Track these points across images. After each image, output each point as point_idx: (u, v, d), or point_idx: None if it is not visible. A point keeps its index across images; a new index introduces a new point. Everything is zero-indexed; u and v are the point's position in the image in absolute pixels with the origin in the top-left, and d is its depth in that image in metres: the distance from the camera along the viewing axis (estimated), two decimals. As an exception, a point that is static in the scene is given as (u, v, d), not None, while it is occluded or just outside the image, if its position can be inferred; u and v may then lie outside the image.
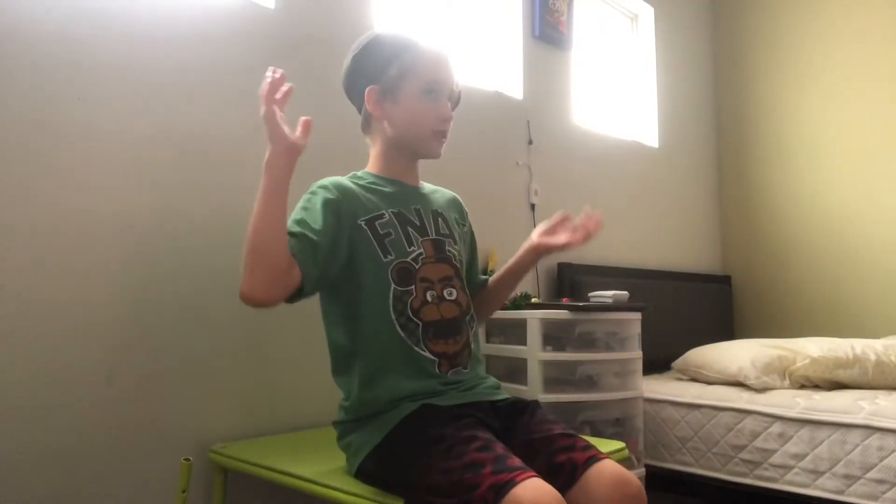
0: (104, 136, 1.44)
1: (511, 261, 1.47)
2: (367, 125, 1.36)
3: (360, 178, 1.33)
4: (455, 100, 1.36)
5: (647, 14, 3.22)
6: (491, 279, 1.51)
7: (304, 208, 1.22)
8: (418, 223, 1.31)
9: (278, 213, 1.11)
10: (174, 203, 1.53)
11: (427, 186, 1.42)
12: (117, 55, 1.46)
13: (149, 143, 1.50)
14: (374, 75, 1.29)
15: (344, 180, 1.28)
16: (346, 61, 1.35)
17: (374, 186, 1.31)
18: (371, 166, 1.36)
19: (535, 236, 1.44)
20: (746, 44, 3.51)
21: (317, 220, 1.18)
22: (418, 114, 1.28)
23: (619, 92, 3.12)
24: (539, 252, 1.43)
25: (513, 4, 2.52)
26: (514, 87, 2.48)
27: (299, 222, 1.18)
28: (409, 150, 1.33)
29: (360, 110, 1.36)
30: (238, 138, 1.65)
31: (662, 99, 3.24)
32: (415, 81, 1.27)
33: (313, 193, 1.24)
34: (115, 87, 1.46)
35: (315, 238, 1.16)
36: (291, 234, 1.15)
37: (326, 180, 1.26)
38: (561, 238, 1.41)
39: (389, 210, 1.28)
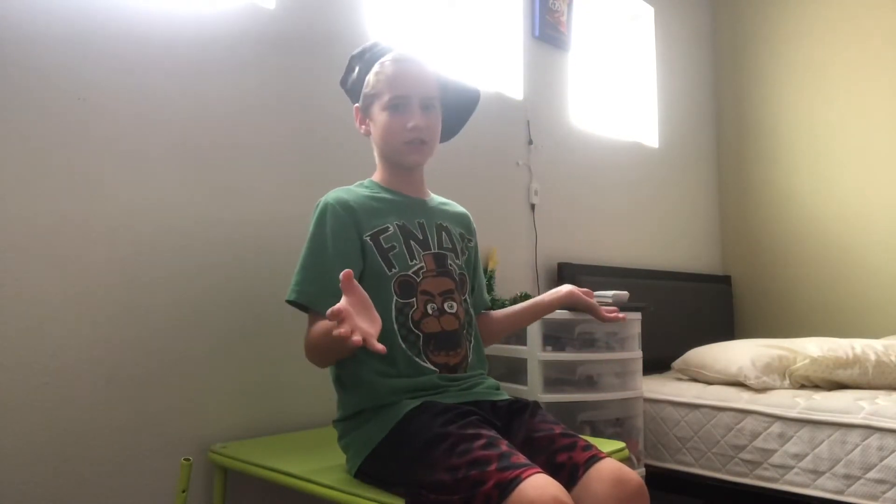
0: (104, 136, 1.44)
1: (538, 298, 1.52)
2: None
3: (365, 187, 1.36)
4: (431, 100, 1.33)
5: (647, 14, 3.22)
6: (508, 309, 1.53)
7: (318, 246, 1.25)
8: (421, 237, 1.32)
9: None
10: (174, 203, 1.54)
11: (436, 199, 1.44)
12: (117, 55, 1.46)
13: (149, 143, 1.50)
14: (355, 95, 1.40)
15: (347, 196, 1.30)
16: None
17: (378, 197, 1.33)
18: (376, 175, 1.40)
19: (571, 287, 1.51)
20: (746, 43, 3.51)
21: (330, 266, 1.21)
22: (387, 128, 1.32)
23: (618, 92, 3.12)
24: (571, 300, 1.49)
25: (513, 4, 2.52)
26: (514, 87, 2.48)
27: (315, 279, 1.23)
28: (393, 161, 1.36)
29: None
30: (238, 138, 1.65)
31: (662, 99, 3.24)
32: (380, 99, 1.32)
33: (321, 226, 1.26)
34: (116, 87, 1.46)
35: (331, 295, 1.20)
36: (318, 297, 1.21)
37: (332, 198, 1.28)
38: (594, 302, 1.50)
39: (395, 223, 1.30)
